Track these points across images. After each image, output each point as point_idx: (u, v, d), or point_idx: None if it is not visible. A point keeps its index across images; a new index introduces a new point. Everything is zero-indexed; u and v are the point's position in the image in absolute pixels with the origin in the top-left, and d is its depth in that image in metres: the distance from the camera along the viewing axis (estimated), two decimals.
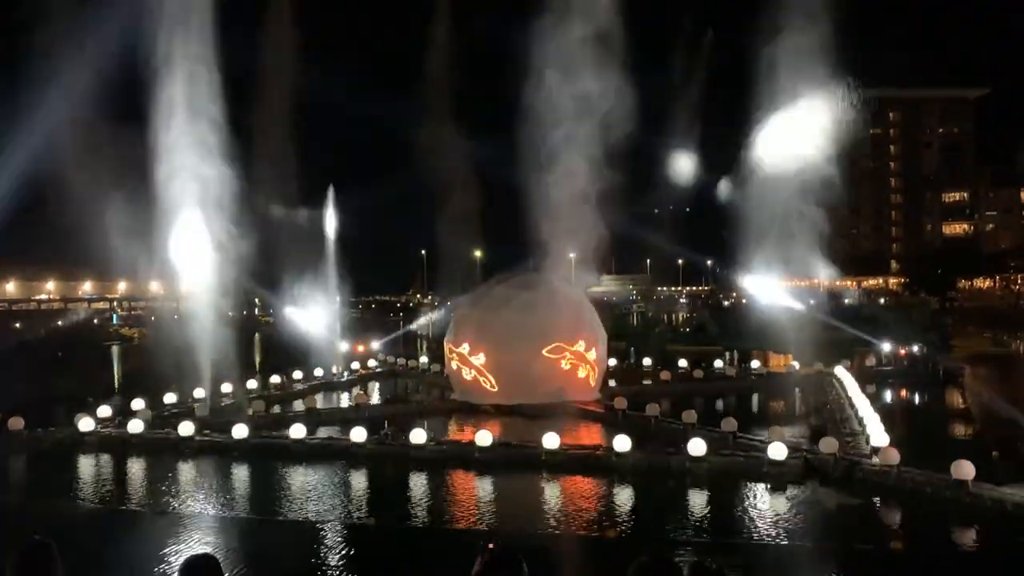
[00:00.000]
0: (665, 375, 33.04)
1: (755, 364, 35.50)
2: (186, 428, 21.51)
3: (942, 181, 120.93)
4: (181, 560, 3.92)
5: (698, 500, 16.77)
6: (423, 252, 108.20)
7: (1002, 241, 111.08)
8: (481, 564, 4.55)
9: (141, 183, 26.63)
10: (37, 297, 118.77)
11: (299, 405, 27.44)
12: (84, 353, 55.92)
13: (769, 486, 16.89)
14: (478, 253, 73.64)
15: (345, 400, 30.96)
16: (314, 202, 44.65)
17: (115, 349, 60.27)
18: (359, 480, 18.67)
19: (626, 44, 29.44)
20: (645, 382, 33.13)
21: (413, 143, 47.70)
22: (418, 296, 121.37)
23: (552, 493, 17.52)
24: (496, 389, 27.48)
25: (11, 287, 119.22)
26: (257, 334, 63.52)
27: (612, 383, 30.81)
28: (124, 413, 23.86)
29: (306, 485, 18.23)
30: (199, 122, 27.76)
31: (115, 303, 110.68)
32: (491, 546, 6.81)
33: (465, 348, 28.18)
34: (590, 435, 23.42)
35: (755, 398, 31.01)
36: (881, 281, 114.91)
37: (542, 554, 11.77)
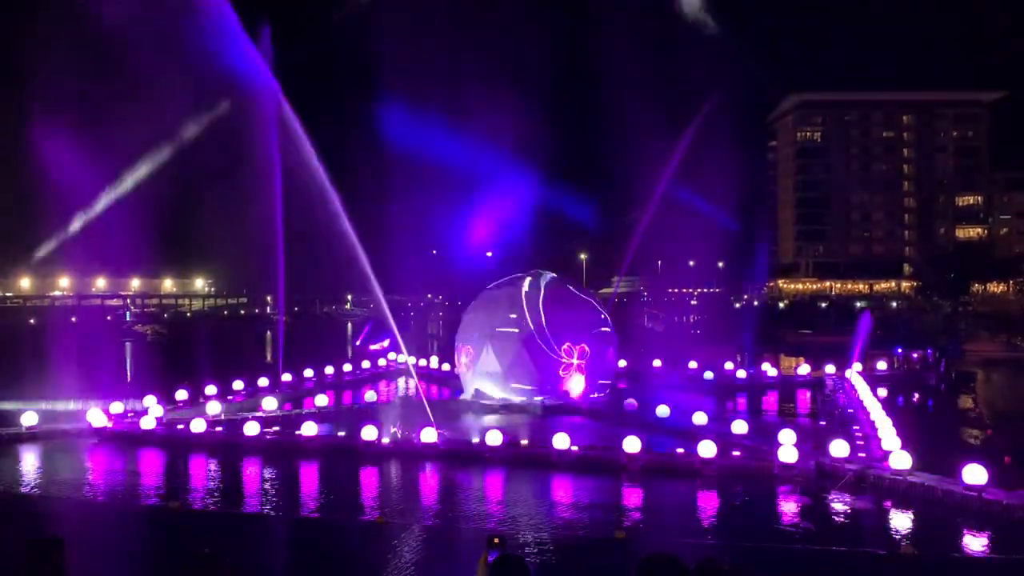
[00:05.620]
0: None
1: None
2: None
3: (956, 185, 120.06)
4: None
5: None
6: (434, 252, 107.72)
7: (1016, 245, 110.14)
8: (486, 565, 4.65)
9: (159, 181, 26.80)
10: (51, 293, 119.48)
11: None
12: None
13: None
14: (489, 253, 73.60)
15: None
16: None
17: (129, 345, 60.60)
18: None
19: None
20: None
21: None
22: (428, 295, 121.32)
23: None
24: (505, 388, 27.54)
25: (25, 283, 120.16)
26: (269, 332, 63.80)
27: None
28: None
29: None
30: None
31: (129, 300, 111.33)
32: (496, 540, 6.95)
33: (474, 347, 28.26)
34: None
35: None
36: (894, 285, 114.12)
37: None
